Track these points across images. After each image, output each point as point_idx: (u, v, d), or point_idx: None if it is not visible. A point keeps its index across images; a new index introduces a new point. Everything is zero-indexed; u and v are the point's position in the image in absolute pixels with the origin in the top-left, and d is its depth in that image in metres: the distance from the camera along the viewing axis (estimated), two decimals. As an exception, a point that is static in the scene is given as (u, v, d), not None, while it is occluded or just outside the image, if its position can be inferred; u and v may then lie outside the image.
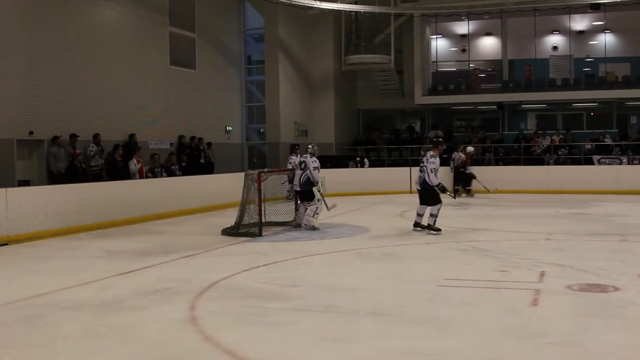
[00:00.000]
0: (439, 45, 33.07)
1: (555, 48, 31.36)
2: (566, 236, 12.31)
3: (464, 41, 32.68)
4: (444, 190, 12.89)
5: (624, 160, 24.38)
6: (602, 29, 31.09)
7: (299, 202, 14.25)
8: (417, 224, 12.86)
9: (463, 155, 21.84)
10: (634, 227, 13.61)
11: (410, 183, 23.23)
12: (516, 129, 30.19)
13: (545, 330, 6.03)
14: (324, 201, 13.77)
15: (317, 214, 13.63)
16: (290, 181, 14.89)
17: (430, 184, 12.51)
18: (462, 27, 32.52)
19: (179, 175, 19.08)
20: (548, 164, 24.51)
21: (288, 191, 15.49)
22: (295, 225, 13.97)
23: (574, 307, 6.91)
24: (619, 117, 29.55)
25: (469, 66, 32.09)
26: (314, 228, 13.40)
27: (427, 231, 12.56)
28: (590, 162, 24.64)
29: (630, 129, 28.57)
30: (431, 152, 12.79)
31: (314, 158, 13.74)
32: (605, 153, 25.25)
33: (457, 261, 9.89)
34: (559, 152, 26.19)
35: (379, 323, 6.39)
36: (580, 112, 30.70)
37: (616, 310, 6.75)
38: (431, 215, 12.62)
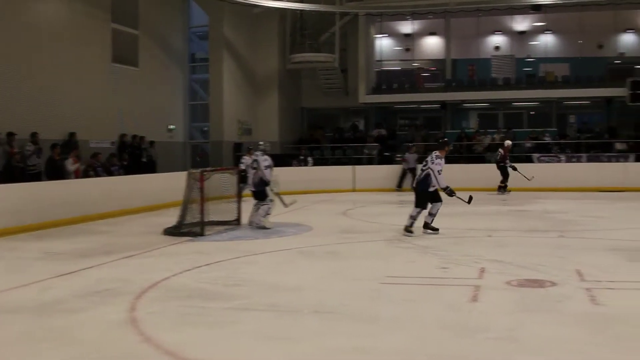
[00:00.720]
0: (384, 44, 33.36)
1: (497, 48, 31.90)
2: (507, 233, 12.49)
3: (408, 40, 33.04)
4: (451, 193, 11.92)
5: (563, 158, 24.88)
6: (542, 30, 31.77)
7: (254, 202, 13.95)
8: (426, 225, 12.28)
9: (502, 150, 21.64)
10: (572, 223, 13.89)
11: (353, 181, 23.42)
12: (458, 127, 30.58)
13: (484, 325, 6.11)
14: (281, 199, 13.65)
15: (268, 214, 13.52)
16: (244, 181, 14.65)
17: (436, 186, 11.93)
18: (406, 27, 32.86)
19: (119, 175, 18.78)
20: (489, 162, 24.82)
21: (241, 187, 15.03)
22: (248, 224, 13.82)
23: (512, 302, 7.02)
24: (558, 117, 30.22)
25: (413, 65, 32.40)
26: (264, 228, 13.29)
27: (424, 230, 12.24)
28: (530, 160, 25.07)
29: (569, 127, 29.19)
30: (437, 153, 12.03)
31: (266, 156, 13.55)
32: (544, 151, 25.74)
33: (399, 259, 9.96)
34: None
35: (322, 321, 6.40)
36: (521, 111, 31.29)
37: (554, 304, 6.88)
38: (430, 214, 12.24)
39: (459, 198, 12.04)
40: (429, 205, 12.19)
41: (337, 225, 14.10)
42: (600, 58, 30.48)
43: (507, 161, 21.25)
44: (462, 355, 5.36)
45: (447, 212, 16.59)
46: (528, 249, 10.41)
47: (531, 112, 31.40)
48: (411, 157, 23.34)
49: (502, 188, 21.14)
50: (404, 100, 30.38)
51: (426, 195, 12.10)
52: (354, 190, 23.06)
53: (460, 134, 28.35)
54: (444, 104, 30.07)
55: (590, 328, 6.02)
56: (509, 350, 5.42)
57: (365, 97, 29.70)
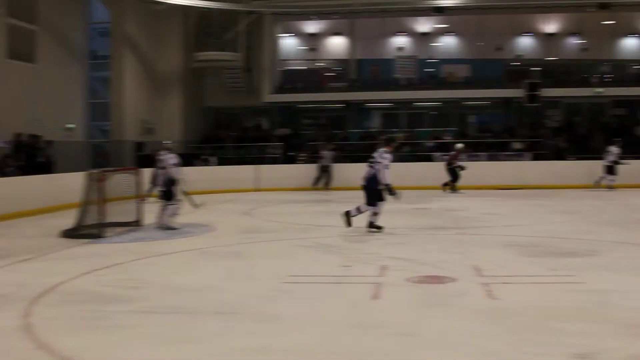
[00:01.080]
0: (289, 43, 33.38)
1: (400, 49, 32.37)
2: (408, 230, 12.70)
3: (314, 40, 33.16)
4: (391, 192, 12.00)
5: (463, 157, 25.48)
6: (444, 32, 32.52)
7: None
8: (371, 224, 12.25)
9: (454, 152, 21.83)
10: (471, 220, 14.28)
11: (257, 181, 23.31)
12: (362, 127, 30.90)
13: (386, 321, 6.20)
14: (190, 199, 13.41)
15: (175, 214, 13.27)
16: (153, 182, 14.29)
17: (380, 181, 12.00)
18: (312, 27, 32.98)
19: (15, 176, 18.07)
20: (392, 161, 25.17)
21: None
22: (156, 226, 13.49)
23: (413, 298, 7.15)
24: (459, 117, 30.99)
25: (316, 65, 32.56)
26: (171, 228, 13.02)
27: (368, 229, 12.19)
28: (431, 159, 25.56)
29: (469, 127, 29.98)
30: (384, 148, 12.24)
31: (172, 155, 13.31)
32: (445, 151, 26.28)
33: (301, 257, 9.99)
34: (403, 150, 27.00)
35: (224, 322, 6.33)
36: (423, 111, 31.88)
37: (452, 300, 7.04)
38: (374, 213, 12.20)
39: (396, 197, 12.06)
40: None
41: (240, 225, 14.04)
42: (499, 60, 31.42)
43: (456, 162, 21.59)
44: (363, 352, 5.41)
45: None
46: (428, 246, 10.62)
47: (432, 112, 32.05)
48: (328, 154, 23.45)
49: (452, 188, 21.43)
50: (308, 99, 30.49)
51: (377, 192, 12.11)
52: (258, 190, 22.94)
53: (363, 133, 28.64)
54: (348, 104, 30.35)
55: (487, 321, 6.19)
56: (409, 345, 5.53)
57: (269, 97, 29.68)
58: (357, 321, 6.24)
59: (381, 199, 12.13)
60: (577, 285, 7.64)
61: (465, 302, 6.95)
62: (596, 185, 21.25)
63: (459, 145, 22.09)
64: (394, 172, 12.06)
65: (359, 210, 12.28)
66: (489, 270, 8.47)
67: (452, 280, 7.89)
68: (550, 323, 6.06)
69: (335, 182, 23.21)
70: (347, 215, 12.30)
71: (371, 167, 12.23)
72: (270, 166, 24.93)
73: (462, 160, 21.67)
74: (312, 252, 10.37)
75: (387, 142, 12.57)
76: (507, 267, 8.86)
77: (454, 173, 21.42)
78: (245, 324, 6.23)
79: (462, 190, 21.12)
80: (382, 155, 12.10)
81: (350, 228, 12.22)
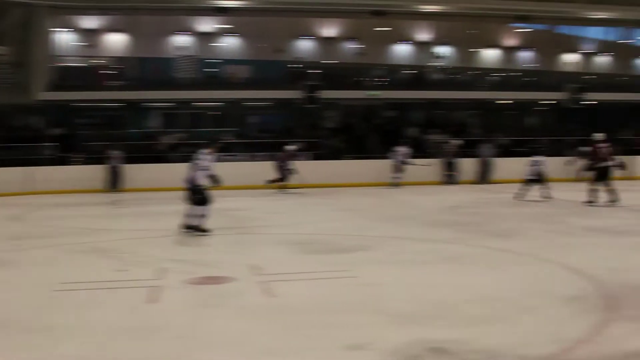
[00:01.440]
0: (65, 39, 31.75)
1: (181, 48, 31.95)
2: (184, 232, 12.42)
3: (92, 36, 31.83)
4: (202, 193, 11.74)
5: (244, 156, 25.77)
6: (227, 32, 32.57)
7: None
8: (189, 226, 11.76)
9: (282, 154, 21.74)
10: (253, 219, 14.37)
11: (30, 183, 21.99)
12: (142, 126, 30.12)
13: (163, 325, 6.09)
14: None
15: None
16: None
17: (194, 181, 11.66)
18: (90, 22, 31.62)
19: None
20: (172, 161, 24.79)
21: None
22: None
23: (191, 300, 7.07)
24: (240, 117, 31.16)
25: (94, 62, 31.29)
26: None
27: (189, 231, 11.65)
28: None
29: (249, 127, 30.27)
30: (206, 150, 11.88)
31: None
32: (225, 151, 26.32)
33: (75, 263, 9.54)
34: (183, 150, 26.70)
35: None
36: (203, 111, 31.69)
37: (231, 299, 7.05)
38: (200, 215, 11.73)
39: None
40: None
41: (8, 231, 13.12)
42: (280, 62, 31.96)
43: (287, 164, 21.68)
44: (139, 357, 5.28)
45: (123, 213, 16.43)
46: (206, 247, 10.59)
47: (213, 112, 31.94)
48: (117, 155, 22.70)
49: (280, 187, 21.60)
50: (85, 98, 29.04)
51: (204, 191, 11.76)
52: (31, 193, 21.57)
53: (142, 133, 27.95)
54: (127, 103, 29.46)
55: (265, 319, 6.26)
56: (187, 348, 5.45)
57: (42, 94, 28.01)
58: (133, 326, 6.07)
59: (207, 200, 11.82)
60: (352, 279, 7.93)
61: (244, 300, 6.98)
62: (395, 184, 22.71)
63: (290, 147, 22.30)
64: (180, 173, 11.84)
65: (195, 216, 11.78)
66: (268, 268, 8.58)
67: (231, 280, 7.89)
68: (326, 317, 6.26)
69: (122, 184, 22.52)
70: (193, 228, 11.74)
71: (192, 169, 11.85)
72: (44, 168, 23.47)
73: (291, 161, 22.01)
74: (86, 257, 9.91)
75: (211, 144, 12.31)
76: (285, 264, 9.03)
77: (283, 173, 21.66)
78: (16, 336, 5.86)
79: (292, 190, 21.52)
80: (202, 157, 11.83)
81: (169, 231, 11.85)
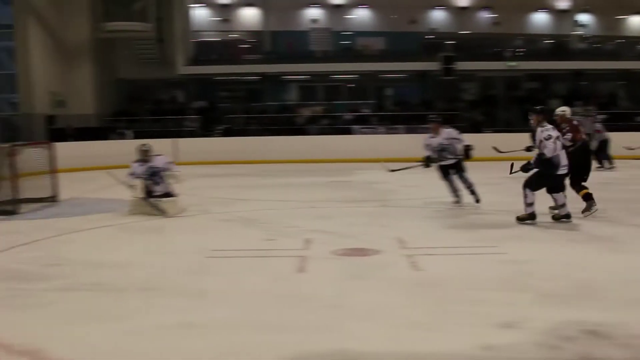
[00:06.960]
0: (201, 14, 32.70)
1: (314, 21, 32.19)
2: (329, 204, 12.60)
3: (226, 11, 32.60)
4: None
5: (381, 129, 25.66)
6: (358, 4, 32.49)
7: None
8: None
9: None
10: (392, 193, 14.28)
11: (175, 154, 22.82)
12: (279, 99, 30.68)
13: (312, 294, 6.16)
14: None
15: None
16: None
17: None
18: (225, -3, 32.43)
19: None
20: (310, 134, 25.12)
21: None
22: None
23: (338, 271, 7.10)
24: (376, 90, 31.10)
25: (230, 37, 32.04)
26: None
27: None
28: (349, 132, 25.61)
29: (385, 100, 30.14)
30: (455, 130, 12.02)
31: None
32: (363, 123, 26.41)
33: (223, 232, 9.81)
34: (321, 123, 27.02)
35: (147, 298, 6.14)
36: (339, 83, 31.86)
37: (377, 272, 7.03)
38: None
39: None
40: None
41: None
42: (414, 33, 31.57)
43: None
44: (291, 325, 5.34)
45: (268, 184, 16.76)
46: (351, 219, 10.54)
47: (349, 85, 32.06)
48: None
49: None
50: (223, 72, 29.95)
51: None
52: (176, 164, 22.32)
53: (280, 106, 28.43)
54: (264, 76, 30.03)
55: (412, 292, 6.21)
56: (337, 317, 5.47)
57: (183, 69, 29.01)
58: (284, 294, 6.19)
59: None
60: (499, 255, 7.71)
61: (390, 274, 6.94)
62: None
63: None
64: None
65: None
66: (413, 242, 8.49)
67: (376, 252, 7.87)
68: (474, 293, 6.13)
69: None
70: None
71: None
72: (189, 139, 24.40)
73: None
74: (233, 226, 10.19)
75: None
76: (431, 238, 8.90)
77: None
78: (170, 300, 6.07)
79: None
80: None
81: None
